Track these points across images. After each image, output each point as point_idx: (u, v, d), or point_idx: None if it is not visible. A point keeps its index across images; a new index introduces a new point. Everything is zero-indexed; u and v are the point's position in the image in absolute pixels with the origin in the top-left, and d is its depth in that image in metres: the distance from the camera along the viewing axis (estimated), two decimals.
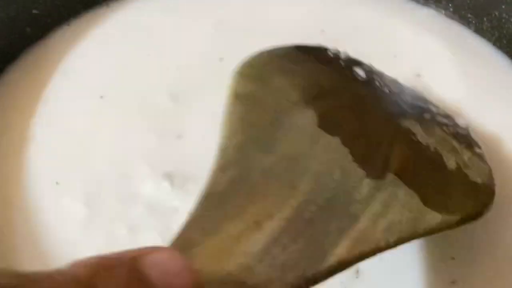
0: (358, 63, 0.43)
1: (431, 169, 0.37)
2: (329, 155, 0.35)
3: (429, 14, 0.55)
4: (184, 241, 0.28)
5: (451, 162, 0.38)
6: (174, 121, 0.45)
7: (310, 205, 0.32)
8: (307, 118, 0.36)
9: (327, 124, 0.36)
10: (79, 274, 0.22)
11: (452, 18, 0.57)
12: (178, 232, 0.29)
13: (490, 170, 0.39)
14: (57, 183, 0.42)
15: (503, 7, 0.52)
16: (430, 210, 0.34)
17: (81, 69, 0.49)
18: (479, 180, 0.38)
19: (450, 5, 0.55)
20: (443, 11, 0.57)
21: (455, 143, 0.40)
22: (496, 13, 0.54)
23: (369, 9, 0.54)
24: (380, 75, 0.43)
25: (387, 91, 0.42)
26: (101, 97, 0.47)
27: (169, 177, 0.42)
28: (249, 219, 0.30)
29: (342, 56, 0.43)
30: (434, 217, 0.34)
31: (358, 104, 0.40)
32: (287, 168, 0.33)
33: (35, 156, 0.44)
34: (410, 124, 0.40)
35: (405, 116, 0.41)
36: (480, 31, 0.55)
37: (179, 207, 0.41)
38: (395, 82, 0.43)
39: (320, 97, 0.38)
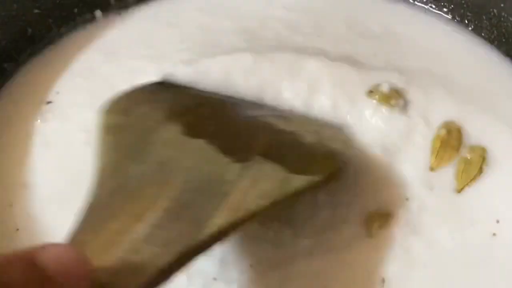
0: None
1: (292, 146, 0.43)
2: (197, 153, 0.40)
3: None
4: (77, 242, 0.32)
5: (310, 139, 0.44)
6: None
7: (184, 193, 0.36)
8: (172, 130, 0.42)
9: (191, 131, 0.42)
10: None
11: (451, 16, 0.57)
12: (67, 238, 0.32)
13: (346, 138, 0.46)
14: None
15: (502, 5, 0.54)
16: (295, 175, 0.39)
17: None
18: (337, 146, 0.44)
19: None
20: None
21: (316, 127, 0.46)
22: (495, 11, 0.54)
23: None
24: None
25: (246, 102, 0.48)
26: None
27: None
28: (129, 215, 0.34)
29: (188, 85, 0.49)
30: (299, 179, 0.39)
31: (218, 114, 0.46)
32: (159, 171, 0.38)
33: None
34: (271, 119, 0.46)
35: (264, 113, 0.47)
36: (478, 29, 0.55)
37: None
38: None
39: (182, 114, 0.44)
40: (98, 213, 0.34)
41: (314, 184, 0.40)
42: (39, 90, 0.51)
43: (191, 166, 0.38)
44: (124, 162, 0.38)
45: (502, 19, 0.54)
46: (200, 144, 0.41)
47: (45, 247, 0.27)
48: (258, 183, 0.38)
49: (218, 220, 0.35)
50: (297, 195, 0.39)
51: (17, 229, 0.43)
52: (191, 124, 0.42)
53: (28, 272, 0.26)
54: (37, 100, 0.51)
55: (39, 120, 0.49)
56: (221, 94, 0.48)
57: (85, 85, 0.52)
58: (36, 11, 0.54)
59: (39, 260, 0.26)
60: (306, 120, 0.47)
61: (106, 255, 0.31)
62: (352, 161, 0.45)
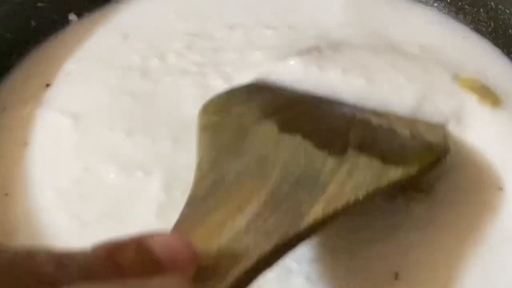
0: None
1: (387, 139, 0.44)
2: (293, 148, 0.41)
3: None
4: (180, 231, 0.34)
5: (405, 132, 0.44)
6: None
7: (283, 187, 0.38)
8: (268, 127, 0.43)
9: (287, 128, 0.43)
10: (99, 253, 0.27)
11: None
12: (172, 228, 0.35)
13: (444, 133, 0.46)
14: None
15: None
16: (390, 166, 0.40)
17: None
18: (433, 140, 0.44)
19: None
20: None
21: (408, 120, 0.47)
22: (492, 4, 0.54)
23: None
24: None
25: (338, 101, 0.49)
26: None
27: None
28: (230, 207, 0.36)
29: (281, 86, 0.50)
30: (395, 171, 0.39)
31: (313, 112, 0.47)
32: (257, 166, 0.39)
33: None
34: (363, 115, 0.47)
35: (358, 111, 0.47)
36: (475, 22, 0.56)
37: None
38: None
39: (277, 113, 0.45)
40: (200, 205, 0.36)
41: (410, 175, 0.40)
42: (42, 76, 0.52)
43: (288, 160, 0.39)
44: (223, 157, 0.40)
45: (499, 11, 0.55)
46: (296, 139, 0.41)
47: (153, 235, 0.29)
48: (354, 175, 0.38)
49: (317, 210, 0.36)
50: (392, 185, 0.39)
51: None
52: (286, 121, 0.43)
53: (141, 255, 0.28)
54: (37, 87, 0.52)
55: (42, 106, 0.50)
56: (312, 95, 0.49)
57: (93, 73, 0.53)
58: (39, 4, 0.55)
59: (149, 245, 0.28)
60: (400, 117, 0.47)
61: (209, 244, 0.33)
62: (451, 154, 0.44)
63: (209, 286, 0.31)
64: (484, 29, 0.56)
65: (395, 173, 0.39)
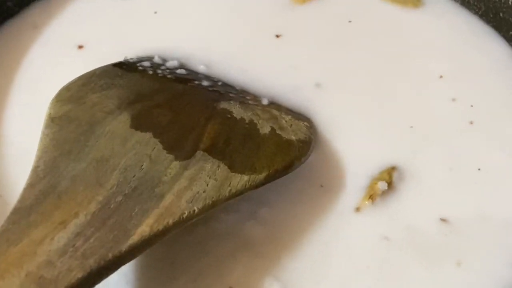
0: (173, 68, 0.48)
1: (243, 138, 0.41)
2: (139, 149, 0.38)
3: None
4: None
5: (265, 128, 0.42)
6: None
7: (116, 197, 0.35)
8: (120, 122, 0.40)
9: (139, 123, 0.40)
10: None
11: None
12: None
13: (307, 126, 0.44)
14: None
15: None
16: (236, 174, 0.38)
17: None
18: (293, 137, 0.42)
19: None
20: None
21: (275, 112, 0.44)
22: None
23: None
24: (194, 71, 0.48)
25: (206, 83, 0.46)
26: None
27: None
28: (54, 222, 0.33)
29: (156, 62, 0.48)
30: (239, 179, 0.38)
31: (174, 100, 0.43)
32: (96, 170, 0.37)
33: None
34: (228, 104, 0.44)
35: (224, 98, 0.44)
36: (466, 4, 0.55)
37: None
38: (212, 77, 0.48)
39: (135, 102, 0.42)
40: (23, 218, 0.33)
41: (255, 184, 0.38)
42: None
43: (130, 165, 0.37)
44: (61, 160, 0.37)
45: None
46: (146, 137, 0.39)
47: None
48: (194, 184, 0.37)
49: (144, 228, 0.34)
50: (235, 195, 0.37)
51: None
52: (141, 114, 0.41)
53: None
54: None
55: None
56: (187, 74, 0.47)
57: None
58: None
59: None
60: (269, 106, 0.45)
61: (18, 269, 0.31)
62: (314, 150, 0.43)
63: None
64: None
65: (239, 183, 0.37)
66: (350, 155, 0.45)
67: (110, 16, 0.53)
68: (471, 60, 0.51)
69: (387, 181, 0.43)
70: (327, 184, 0.43)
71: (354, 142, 0.45)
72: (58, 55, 0.50)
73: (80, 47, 0.51)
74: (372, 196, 0.42)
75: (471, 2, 0.54)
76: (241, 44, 0.51)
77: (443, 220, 0.42)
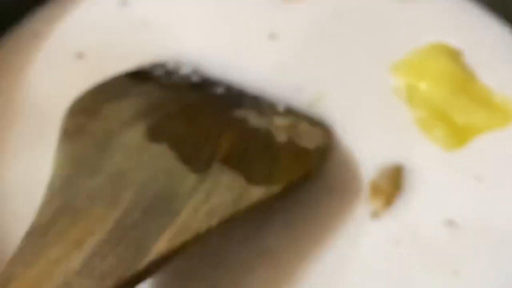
0: (187, 75, 0.47)
1: (260, 148, 0.40)
2: (155, 162, 0.38)
3: None
4: (4, 277, 0.31)
5: (282, 137, 0.41)
6: None
7: (133, 213, 0.35)
8: (135, 134, 0.39)
9: (154, 134, 0.39)
10: None
11: None
12: (1, 271, 0.32)
13: (324, 133, 0.43)
14: None
15: None
16: (253, 186, 0.37)
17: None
18: (310, 145, 0.41)
19: None
20: None
21: (291, 119, 0.43)
22: None
23: None
24: (208, 78, 0.47)
25: (219, 91, 0.45)
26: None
27: None
28: (71, 240, 0.33)
29: (170, 70, 0.47)
30: (256, 191, 0.37)
31: (188, 110, 0.43)
32: (112, 185, 0.36)
33: None
34: (244, 112, 0.43)
35: (240, 106, 0.44)
36: None
37: None
38: (226, 83, 0.47)
39: (149, 112, 0.41)
40: (39, 238, 0.33)
41: (272, 195, 0.38)
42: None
43: (146, 179, 0.37)
44: (77, 176, 0.37)
45: None
46: (161, 150, 0.39)
47: None
48: (211, 198, 0.36)
49: (161, 244, 0.33)
50: (252, 207, 0.37)
51: None
52: (156, 125, 0.40)
53: None
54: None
55: None
56: (202, 81, 0.46)
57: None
58: None
59: None
60: (285, 113, 0.44)
61: None
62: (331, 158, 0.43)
63: None
64: None
65: (255, 195, 0.37)
66: (358, 156, 0.44)
67: (110, 24, 0.52)
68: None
69: (397, 183, 0.43)
70: (340, 189, 0.43)
71: (361, 144, 0.45)
72: (58, 64, 0.50)
73: (80, 55, 0.50)
74: (388, 199, 0.42)
75: None
76: (236, 45, 0.50)
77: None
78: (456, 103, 0.46)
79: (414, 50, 0.49)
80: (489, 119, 0.46)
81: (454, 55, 0.49)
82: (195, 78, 0.47)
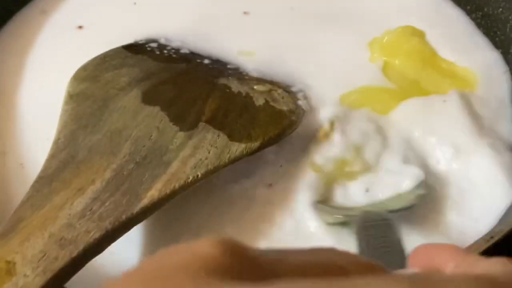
0: (177, 48, 0.52)
1: (240, 110, 0.46)
2: (148, 121, 0.43)
3: None
4: (15, 220, 0.36)
5: (260, 100, 0.47)
6: None
7: (128, 164, 0.40)
8: (131, 97, 0.45)
9: (148, 98, 0.45)
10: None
11: None
12: (12, 214, 0.37)
13: (298, 97, 0.48)
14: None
15: None
16: (234, 142, 0.42)
17: None
18: (284, 108, 0.46)
19: None
20: None
21: (268, 86, 0.49)
22: None
23: None
24: (197, 52, 0.52)
25: (206, 62, 0.51)
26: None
27: None
28: (73, 188, 0.38)
29: (162, 44, 0.52)
30: (237, 147, 0.42)
31: (179, 77, 0.48)
32: (110, 140, 0.41)
33: None
34: (226, 80, 0.49)
35: (223, 75, 0.49)
36: None
37: None
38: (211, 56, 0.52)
39: (144, 79, 0.47)
40: (45, 186, 0.38)
41: (251, 150, 0.42)
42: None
43: (141, 136, 0.41)
44: (79, 133, 0.41)
45: None
46: (154, 111, 0.43)
47: None
48: (197, 152, 0.41)
49: (153, 191, 0.38)
50: (234, 161, 0.42)
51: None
52: (150, 90, 0.45)
53: None
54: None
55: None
56: (190, 53, 0.51)
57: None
58: None
59: None
60: (262, 81, 0.49)
61: (41, 231, 0.35)
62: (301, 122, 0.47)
63: (27, 278, 0.33)
64: None
65: (237, 150, 0.42)
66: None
67: (106, 2, 0.58)
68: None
69: None
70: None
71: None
72: (63, 36, 0.55)
73: (80, 27, 0.55)
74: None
75: None
76: (215, 22, 0.56)
77: None
78: (426, 75, 0.52)
79: (387, 33, 0.54)
80: (454, 86, 0.51)
81: (420, 36, 0.54)
82: (184, 51, 0.52)
